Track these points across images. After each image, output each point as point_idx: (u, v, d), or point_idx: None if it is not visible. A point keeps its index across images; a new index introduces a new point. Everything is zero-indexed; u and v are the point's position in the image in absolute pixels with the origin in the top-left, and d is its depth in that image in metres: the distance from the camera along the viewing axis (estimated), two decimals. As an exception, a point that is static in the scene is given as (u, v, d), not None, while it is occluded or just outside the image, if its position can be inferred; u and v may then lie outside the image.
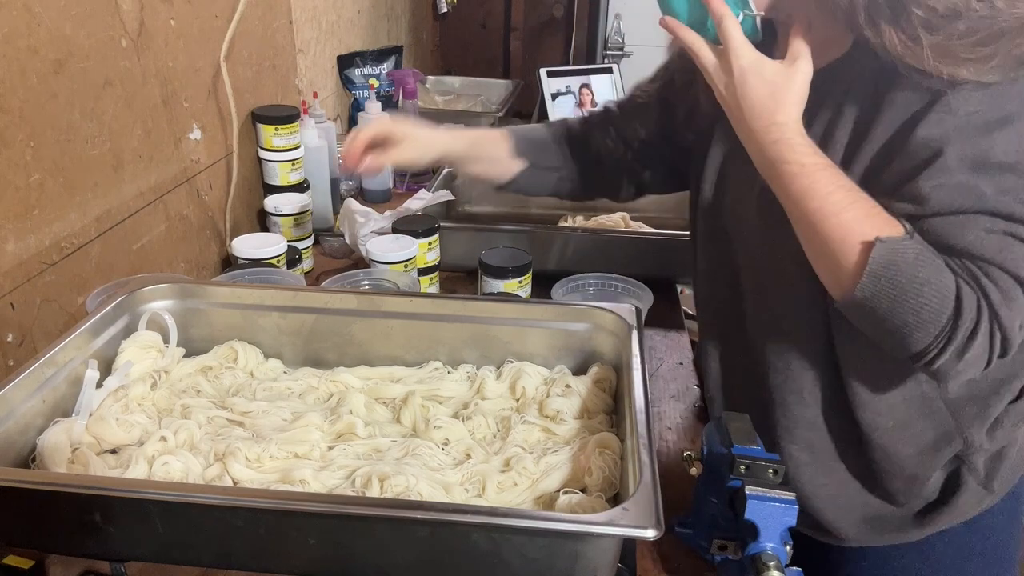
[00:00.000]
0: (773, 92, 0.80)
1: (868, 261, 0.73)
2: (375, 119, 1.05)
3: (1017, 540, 0.99)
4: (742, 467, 0.73)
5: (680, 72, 1.08)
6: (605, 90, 2.29)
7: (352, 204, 1.50)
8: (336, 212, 1.72)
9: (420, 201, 1.53)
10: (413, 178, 1.91)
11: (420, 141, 1.09)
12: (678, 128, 1.10)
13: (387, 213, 1.48)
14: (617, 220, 1.69)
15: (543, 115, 2.20)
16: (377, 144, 1.06)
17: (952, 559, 0.95)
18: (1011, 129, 0.73)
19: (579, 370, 1.00)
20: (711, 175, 1.00)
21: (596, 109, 1.22)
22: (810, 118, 0.83)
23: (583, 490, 0.82)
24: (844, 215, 0.75)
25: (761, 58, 0.81)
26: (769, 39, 0.88)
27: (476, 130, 1.15)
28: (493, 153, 1.16)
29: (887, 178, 0.78)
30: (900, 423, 0.87)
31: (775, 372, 0.92)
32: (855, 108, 0.82)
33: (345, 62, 2.11)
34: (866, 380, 0.86)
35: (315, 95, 1.77)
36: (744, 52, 0.81)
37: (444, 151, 1.12)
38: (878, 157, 0.80)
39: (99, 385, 0.91)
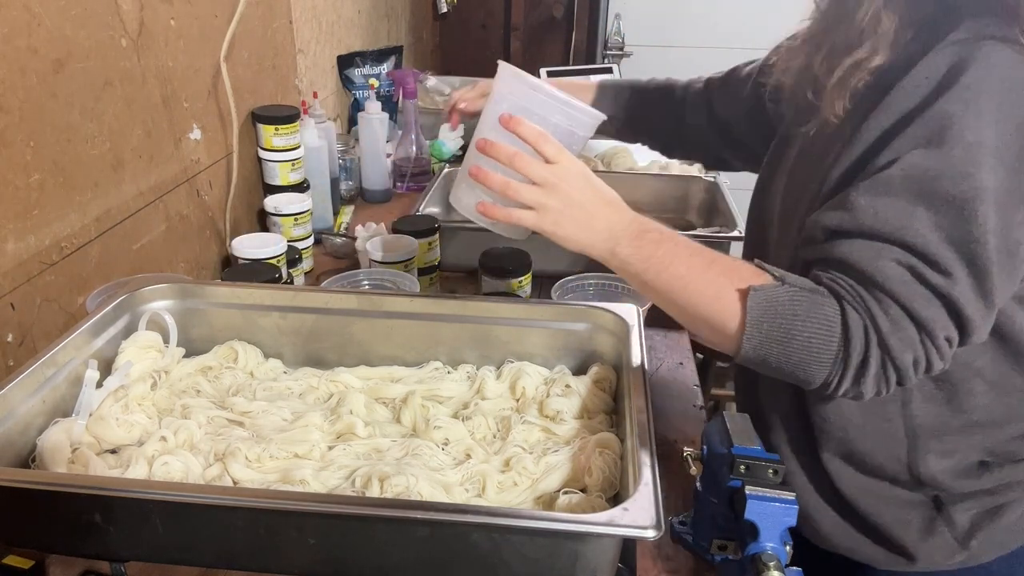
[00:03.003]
0: (584, 210, 0.86)
1: (747, 311, 0.74)
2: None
3: None
4: (742, 467, 0.73)
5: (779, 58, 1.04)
6: (605, 90, 2.29)
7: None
8: (336, 212, 1.72)
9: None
10: (413, 178, 1.91)
11: None
12: (765, 112, 1.09)
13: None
14: (617, 220, 1.69)
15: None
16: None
17: None
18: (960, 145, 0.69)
19: (579, 370, 1.00)
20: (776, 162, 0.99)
21: (696, 81, 1.22)
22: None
23: (583, 490, 0.82)
24: (711, 270, 0.78)
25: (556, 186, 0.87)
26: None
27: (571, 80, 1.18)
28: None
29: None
30: (856, 433, 0.87)
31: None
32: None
33: (345, 62, 2.11)
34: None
35: (315, 95, 1.77)
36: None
37: None
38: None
39: (99, 385, 0.91)
